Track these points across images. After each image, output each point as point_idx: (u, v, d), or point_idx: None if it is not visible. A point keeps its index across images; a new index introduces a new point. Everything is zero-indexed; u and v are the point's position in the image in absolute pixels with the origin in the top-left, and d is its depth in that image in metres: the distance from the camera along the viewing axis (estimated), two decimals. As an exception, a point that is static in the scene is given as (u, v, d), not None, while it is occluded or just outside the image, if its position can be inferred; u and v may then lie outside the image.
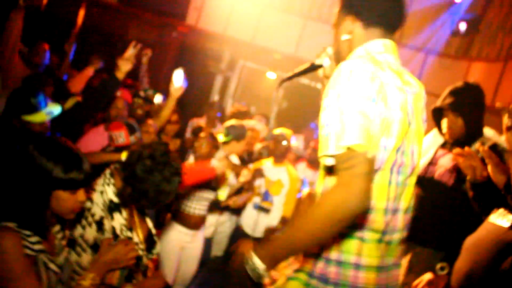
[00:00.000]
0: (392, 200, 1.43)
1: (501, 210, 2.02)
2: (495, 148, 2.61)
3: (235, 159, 3.95)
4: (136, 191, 1.97)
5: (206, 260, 3.86)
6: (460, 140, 2.70)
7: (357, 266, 1.40)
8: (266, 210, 4.00)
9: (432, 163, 2.78)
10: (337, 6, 1.60)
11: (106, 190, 2.07)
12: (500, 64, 6.73)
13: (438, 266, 2.51)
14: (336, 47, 1.62)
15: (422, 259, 2.64)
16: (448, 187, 2.62)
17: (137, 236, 2.11)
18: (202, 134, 3.48)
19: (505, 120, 2.08)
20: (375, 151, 1.29)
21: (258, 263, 1.34)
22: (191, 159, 3.53)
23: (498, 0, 7.05)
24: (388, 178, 1.40)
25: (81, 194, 1.69)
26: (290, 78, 1.84)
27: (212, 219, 3.86)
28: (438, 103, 2.76)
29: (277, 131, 4.18)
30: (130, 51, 3.04)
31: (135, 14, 8.22)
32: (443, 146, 2.82)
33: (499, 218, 1.98)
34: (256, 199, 4.02)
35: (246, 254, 1.37)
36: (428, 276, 2.52)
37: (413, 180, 1.50)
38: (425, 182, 2.75)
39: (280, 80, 1.88)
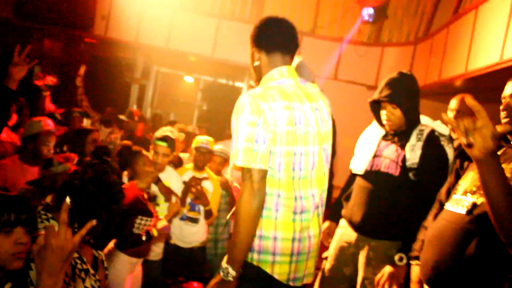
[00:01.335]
0: (298, 189, 1.92)
1: (455, 196, 2.05)
2: (433, 133, 2.69)
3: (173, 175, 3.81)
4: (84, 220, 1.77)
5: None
6: (400, 129, 2.73)
7: (275, 239, 1.91)
8: (193, 220, 3.91)
9: (377, 155, 2.79)
10: (250, 41, 2.09)
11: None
12: (410, 48, 7.05)
13: (397, 257, 2.52)
14: (255, 72, 2.11)
15: (379, 252, 2.64)
16: (395, 177, 2.64)
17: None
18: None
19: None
20: (261, 163, 1.82)
21: (230, 269, 1.84)
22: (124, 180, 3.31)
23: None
24: (291, 175, 1.89)
25: (19, 233, 1.48)
26: None
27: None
28: (375, 95, 2.77)
29: (199, 139, 4.07)
30: (17, 55, 2.72)
31: (36, 29, 7.64)
32: (384, 137, 2.84)
33: (455, 206, 2.00)
34: (184, 211, 3.90)
35: (224, 265, 1.85)
36: (388, 269, 2.52)
37: (319, 171, 1.99)
38: (372, 175, 2.76)
39: None
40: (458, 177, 2.23)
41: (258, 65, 2.07)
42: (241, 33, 7.59)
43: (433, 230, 2.08)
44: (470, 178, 2.05)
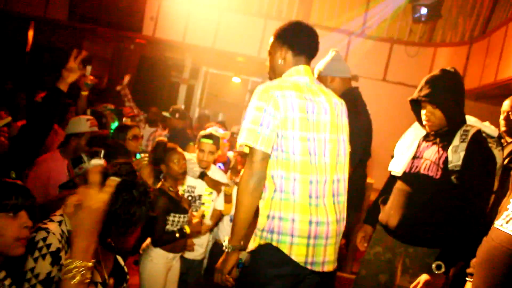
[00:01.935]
0: (315, 174, 2.02)
1: (508, 213, 1.85)
2: (479, 134, 2.49)
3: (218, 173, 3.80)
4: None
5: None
6: (443, 130, 2.55)
7: (293, 221, 1.99)
8: None
9: (417, 156, 2.63)
10: (272, 38, 2.24)
11: (66, 219, 1.86)
12: (465, 48, 6.70)
13: (434, 265, 2.36)
14: (272, 69, 2.24)
15: (416, 260, 2.49)
16: (436, 180, 2.47)
17: (99, 273, 1.88)
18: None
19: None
20: (263, 145, 1.95)
21: (226, 241, 2.06)
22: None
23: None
24: (308, 159, 2.00)
25: (24, 217, 1.48)
26: None
27: (202, 240, 3.67)
28: (415, 94, 2.60)
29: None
30: (73, 60, 2.82)
31: (89, 30, 7.89)
32: (426, 138, 2.67)
33: (507, 225, 1.80)
34: (232, 211, 3.84)
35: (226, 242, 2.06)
36: (424, 277, 2.37)
37: (333, 159, 2.09)
38: (411, 177, 2.60)
39: None
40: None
41: (281, 64, 2.21)
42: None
43: (483, 250, 1.89)
44: None
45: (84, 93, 4.31)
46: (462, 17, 6.92)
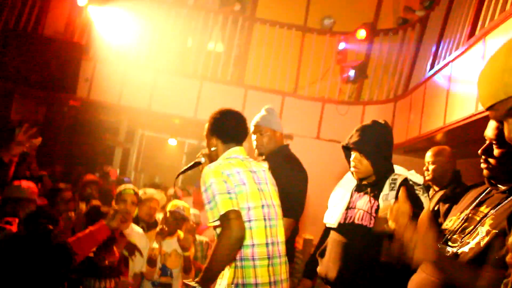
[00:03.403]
0: (270, 237, 2.33)
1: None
2: (406, 182, 2.59)
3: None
4: None
5: None
6: (370, 179, 2.65)
7: (257, 285, 2.25)
8: (166, 286, 3.70)
9: (350, 207, 2.69)
10: (207, 126, 2.59)
11: None
12: (391, 105, 7.10)
13: None
14: (209, 151, 2.62)
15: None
16: (370, 229, 2.52)
17: None
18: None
19: None
20: (236, 206, 2.22)
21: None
22: None
23: (378, 46, 7.55)
24: (263, 225, 2.32)
25: None
26: (181, 173, 2.91)
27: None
28: (345, 141, 2.71)
29: (175, 203, 3.92)
30: (22, 134, 2.90)
31: (18, 92, 7.64)
32: (357, 189, 2.75)
33: None
34: (155, 277, 3.70)
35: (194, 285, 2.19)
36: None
37: (280, 221, 2.46)
38: (346, 228, 2.64)
39: (177, 175, 3.02)
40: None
41: (215, 150, 2.57)
42: (223, 94, 7.65)
43: (413, 284, 1.92)
44: (451, 223, 1.92)
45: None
46: (386, 76, 7.38)
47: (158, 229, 3.75)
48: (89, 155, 8.58)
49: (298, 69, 7.87)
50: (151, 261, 3.53)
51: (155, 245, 3.65)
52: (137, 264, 3.53)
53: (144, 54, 7.93)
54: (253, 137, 3.31)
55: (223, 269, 2.28)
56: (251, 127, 3.21)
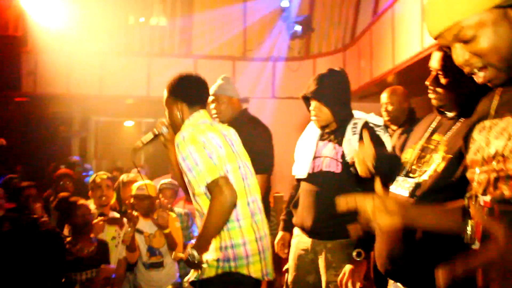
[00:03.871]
0: (250, 196, 2.35)
1: (399, 177, 1.99)
2: (367, 125, 2.69)
3: None
4: None
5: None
6: (331, 126, 2.72)
7: (244, 244, 2.26)
8: (158, 265, 3.72)
9: (317, 156, 2.76)
10: (166, 93, 2.47)
11: None
12: (340, 55, 7.22)
13: (354, 253, 2.46)
14: (172, 120, 2.49)
15: (337, 253, 2.58)
16: (338, 174, 2.61)
17: None
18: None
19: None
20: (223, 171, 2.22)
21: (195, 254, 2.20)
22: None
23: (320, -1, 7.60)
24: (242, 185, 2.32)
25: None
26: (140, 148, 2.60)
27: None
28: (303, 91, 2.76)
29: (134, 186, 3.83)
30: None
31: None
32: (321, 137, 2.82)
33: (399, 188, 1.94)
34: (144, 258, 3.71)
35: (187, 251, 2.22)
36: (348, 267, 2.46)
37: (254, 179, 2.45)
38: (315, 177, 2.71)
39: (133, 151, 2.62)
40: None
41: (180, 116, 2.45)
42: (173, 67, 7.51)
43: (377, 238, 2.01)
44: (409, 155, 1.99)
45: None
46: (332, 27, 7.46)
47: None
48: (46, 150, 8.32)
49: (244, 32, 7.84)
50: (128, 247, 3.51)
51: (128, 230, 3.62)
52: (122, 251, 3.53)
53: (86, 38, 7.67)
54: (212, 106, 3.32)
55: (217, 234, 2.27)
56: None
